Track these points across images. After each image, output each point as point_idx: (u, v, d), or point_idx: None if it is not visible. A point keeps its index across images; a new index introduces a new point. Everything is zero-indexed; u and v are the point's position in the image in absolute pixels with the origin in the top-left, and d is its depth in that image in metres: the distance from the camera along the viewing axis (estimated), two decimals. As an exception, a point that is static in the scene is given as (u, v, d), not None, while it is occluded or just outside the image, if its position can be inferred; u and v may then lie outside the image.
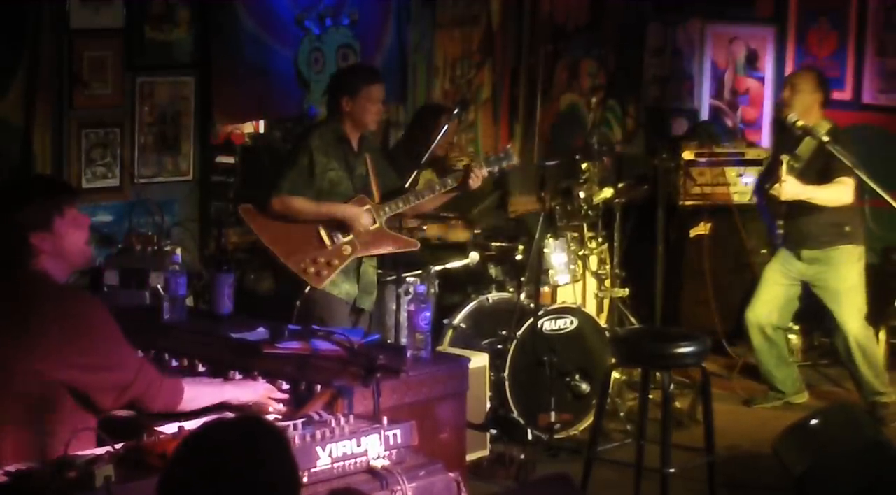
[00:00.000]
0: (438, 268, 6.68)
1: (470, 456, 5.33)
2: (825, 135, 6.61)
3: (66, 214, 3.75)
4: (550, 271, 6.73)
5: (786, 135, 7.07)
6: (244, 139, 7.43)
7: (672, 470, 5.45)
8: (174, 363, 4.40)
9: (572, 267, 6.85)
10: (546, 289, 6.85)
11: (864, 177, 6.49)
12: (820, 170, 6.74)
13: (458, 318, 6.53)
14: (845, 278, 6.88)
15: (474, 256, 6.80)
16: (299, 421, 3.65)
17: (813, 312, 7.16)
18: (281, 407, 4.03)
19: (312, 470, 3.44)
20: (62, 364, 3.61)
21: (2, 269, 3.75)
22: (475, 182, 6.12)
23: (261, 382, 4.14)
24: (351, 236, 5.97)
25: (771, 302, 7.05)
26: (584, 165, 7.11)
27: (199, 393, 3.90)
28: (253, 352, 4.45)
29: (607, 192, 7.15)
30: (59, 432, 3.54)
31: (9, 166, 6.38)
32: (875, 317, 7.24)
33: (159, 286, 5.25)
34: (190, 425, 3.64)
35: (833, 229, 6.82)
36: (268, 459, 2.48)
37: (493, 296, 6.68)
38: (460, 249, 6.88)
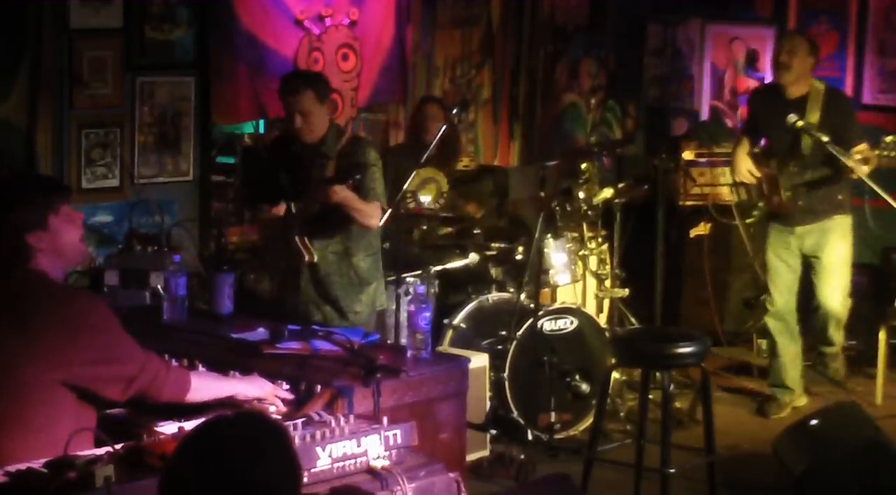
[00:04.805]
0: (438, 268, 6.68)
1: (470, 457, 5.33)
2: (824, 136, 6.59)
3: (61, 212, 3.75)
4: (550, 271, 6.73)
5: (776, 104, 6.81)
6: (244, 139, 7.44)
7: (672, 470, 5.45)
8: (174, 363, 4.40)
9: (572, 267, 6.85)
10: (546, 289, 6.85)
11: (863, 177, 6.49)
12: (835, 141, 6.66)
13: (458, 318, 6.52)
14: (836, 252, 6.87)
15: (474, 256, 6.80)
16: (299, 421, 3.65)
17: (813, 312, 7.14)
18: (283, 407, 4.03)
19: (312, 470, 3.44)
20: (62, 363, 3.61)
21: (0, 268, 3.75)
22: (329, 197, 5.58)
23: (261, 380, 4.14)
24: None
25: (787, 290, 7.00)
26: (584, 165, 7.11)
27: (206, 384, 3.89)
28: (253, 352, 4.45)
29: (607, 192, 7.15)
30: (60, 432, 3.54)
31: (12, 168, 6.38)
32: (875, 317, 7.24)
33: (159, 286, 5.25)
34: (190, 425, 3.64)
35: (830, 199, 6.78)
36: (269, 455, 2.48)
37: (493, 296, 6.68)
38: (460, 249, 6.88)
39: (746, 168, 6.88)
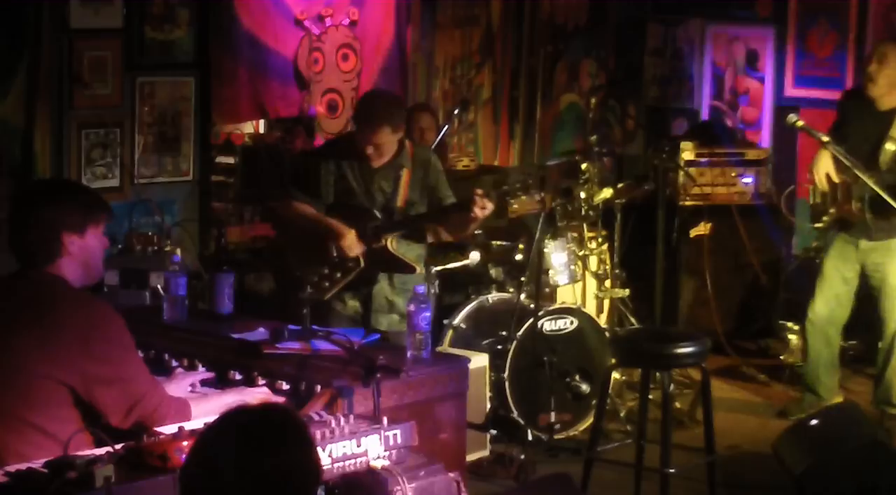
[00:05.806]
0: (438, 268, 6.67)
1: (470, 457, 5.33)
2: (824, 136, 6.57)
3: (99, 226, 3.80)
4: (550, 271, 6.73)
5: (863, 112, 6.59)
6: (244, 139, 7.44)
7: (672, 470, 5.44)
8: (174, 363, 4.41)
9: (572, 267, 6.85)
10: (546, 289, 6.85)
11: (865, 177, 6.47)
12: None
13: (458, 319, 6.53)
14: None
15: (474, 256, 6.79)
16: (299, 422, 3.65)
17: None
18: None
19: (312, 470, 3.44)
20: (74, 368, 3.62)
21: (25, 263, 3.76)
22: (480, 213, 5.34)
23: (256, 388, 4.14)
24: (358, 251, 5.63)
25: (834, 300, 6.78)
26: (584, 165, 7.11)
27: (201, 412, 3.89)
28: (253, 352, 4.45)
29: (607, 192, 7.14)
30: (65, 434, 3.54)
31: (10, 167, 6.38)
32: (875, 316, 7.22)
33: (159, 286, 5.25)
34: (190, 425, 3.64)
35: None
36: (285, 446, 2.50)
37: (493, 296, 6.68)
38: (460, 249, 6.88)
39: (825, 171, 6.63)
